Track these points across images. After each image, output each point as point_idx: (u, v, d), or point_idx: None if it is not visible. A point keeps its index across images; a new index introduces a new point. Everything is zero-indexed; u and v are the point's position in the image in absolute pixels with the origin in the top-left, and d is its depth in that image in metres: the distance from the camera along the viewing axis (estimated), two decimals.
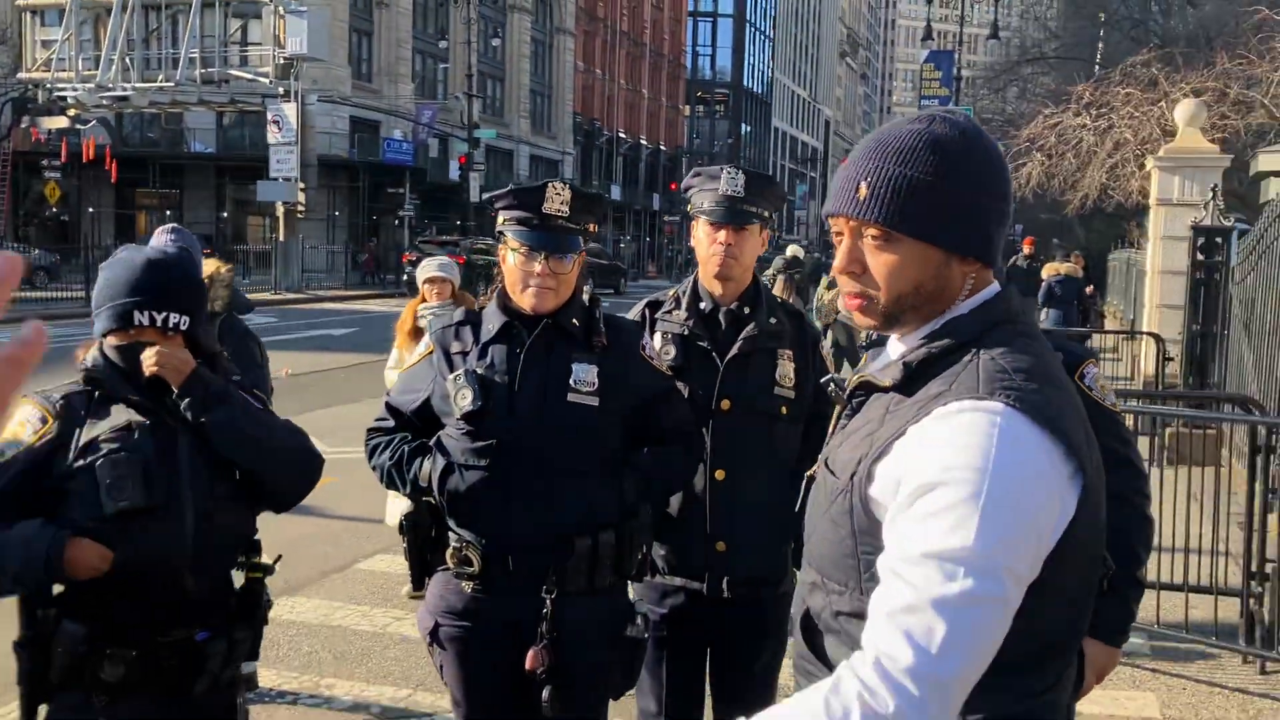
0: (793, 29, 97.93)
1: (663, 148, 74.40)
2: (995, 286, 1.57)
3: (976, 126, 1.57)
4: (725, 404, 2.96)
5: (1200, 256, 9.69)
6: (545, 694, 2.65)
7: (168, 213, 46.45)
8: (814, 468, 1.71)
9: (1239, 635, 5.22)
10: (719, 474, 2.95)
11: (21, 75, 35.43)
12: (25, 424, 2.40)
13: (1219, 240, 9.59)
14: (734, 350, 2.97)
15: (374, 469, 2.86)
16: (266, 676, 4.81)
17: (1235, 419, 7.12)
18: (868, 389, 1.59)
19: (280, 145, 32.16)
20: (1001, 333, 1.51)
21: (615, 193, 65.44)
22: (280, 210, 32.60)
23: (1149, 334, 11.51)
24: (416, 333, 5.72)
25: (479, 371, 2.67)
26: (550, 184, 2.68)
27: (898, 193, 1.46)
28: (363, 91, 43.72)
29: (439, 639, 2.76)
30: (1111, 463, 1.70)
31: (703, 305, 3.05)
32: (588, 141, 64.65)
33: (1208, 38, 22.16)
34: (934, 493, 1.35)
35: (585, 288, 2.89)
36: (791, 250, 14.04)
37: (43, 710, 2.45)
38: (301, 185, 32.41)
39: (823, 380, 1.82)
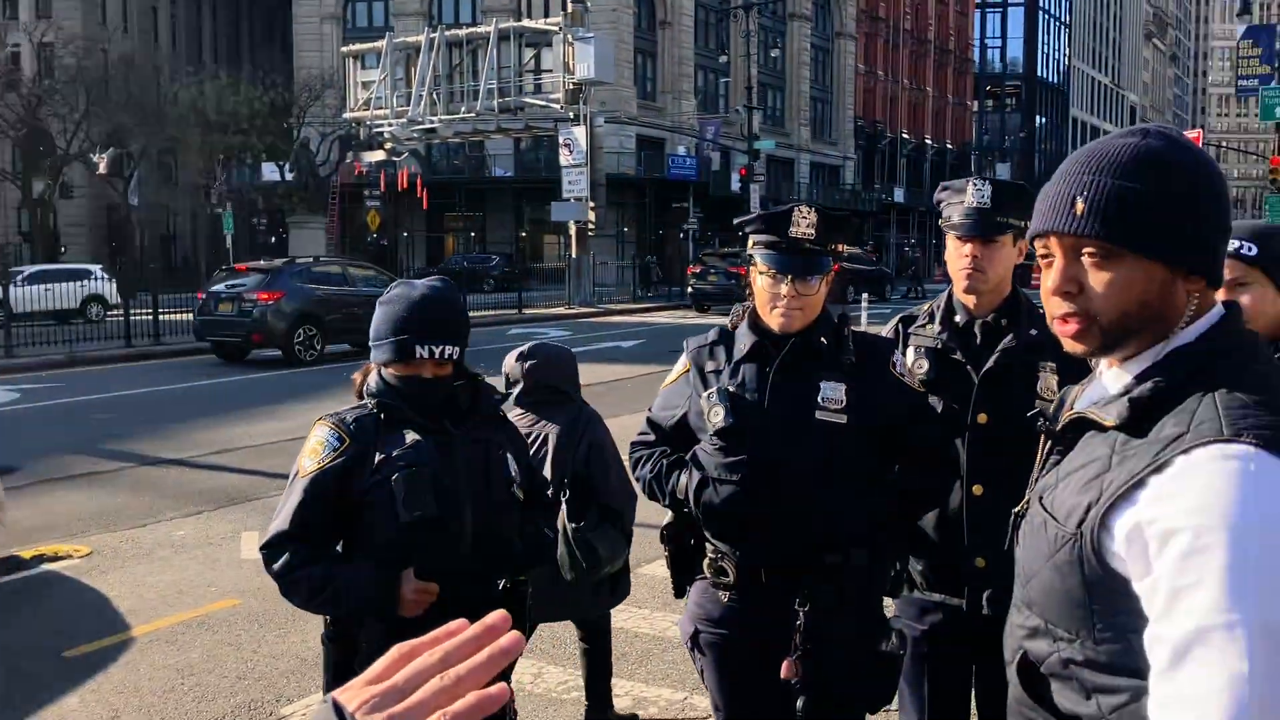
0: (1090, 13, 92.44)
1: (949, 146, 72.14)
2: (1220, 308, 1.45)
3: (1188, 140, 1.48)
4: (982, 418, 2.92)
5: None
6: (800, 703, 2.72)
7: (471, 235, 49.82)
8: (1022, 503, 1.61)
9: None
10: (976, 489, 2.91)
11: (346, 115, 38.97)
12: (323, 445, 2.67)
13: None
14: (990, 363, 2.92)
15: (636, 480, 3.03)
16: (550, 673, 5.13)
17: None
18: (1083, 426, 1.48)
19: (571, 167, 33.62)
20: (1233, 360, 1.38)
21: (899, 195, 64.05)
22: (573, 229, 34.11)
23: None
24: None
25: (730, 389, 2.77)
26: (796, 208, 2.74)
27: (1117, 206, 1.38)
28: (648, 110, 45.12)
29: (699, 645, 2.89)
30: None
31: (957, 318, 3.01)
32: (869, 145, 63.70)
33: None
34: (1194, 558, 1.21)
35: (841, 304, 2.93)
36: None
37: None
38: (591, 204, 33.74)
39: (1030, 414, 1.76)
